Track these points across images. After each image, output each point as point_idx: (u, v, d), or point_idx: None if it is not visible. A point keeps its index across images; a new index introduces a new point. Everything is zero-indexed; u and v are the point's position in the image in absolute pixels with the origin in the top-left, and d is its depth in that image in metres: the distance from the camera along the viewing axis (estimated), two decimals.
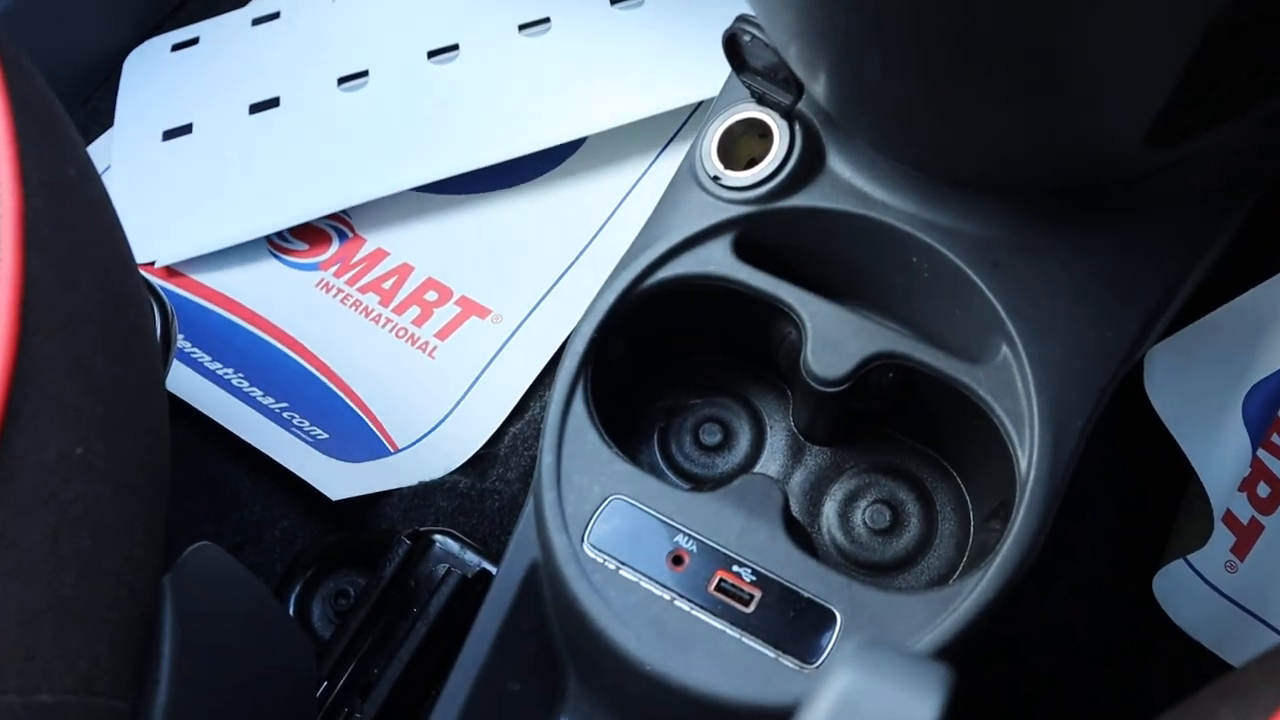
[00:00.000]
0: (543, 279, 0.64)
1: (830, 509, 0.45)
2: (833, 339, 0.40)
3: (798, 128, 0.42)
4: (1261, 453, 0.58)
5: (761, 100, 0.42)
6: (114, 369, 0.30)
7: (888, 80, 0.33)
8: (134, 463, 0.30)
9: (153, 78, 0.78)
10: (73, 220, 0.30)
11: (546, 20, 0.72)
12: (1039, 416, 0.38)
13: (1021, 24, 0.24)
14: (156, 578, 0.33)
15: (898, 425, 0.46)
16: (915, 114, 0.35)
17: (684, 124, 0.68)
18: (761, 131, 0.43)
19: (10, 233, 0.27)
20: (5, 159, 0.28)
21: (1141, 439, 0.57)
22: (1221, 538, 0.58)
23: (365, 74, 0.72)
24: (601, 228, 0.65)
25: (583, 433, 0.40)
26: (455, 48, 0.72)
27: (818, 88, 0.37)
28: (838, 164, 0.42)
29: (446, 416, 0.61)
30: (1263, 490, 0.59)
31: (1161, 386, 0.51)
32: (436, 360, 0.63)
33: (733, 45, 0.41)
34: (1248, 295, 0.50)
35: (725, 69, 0.42)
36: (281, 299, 0.66)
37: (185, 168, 0.71)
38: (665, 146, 0.67)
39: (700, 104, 0.67)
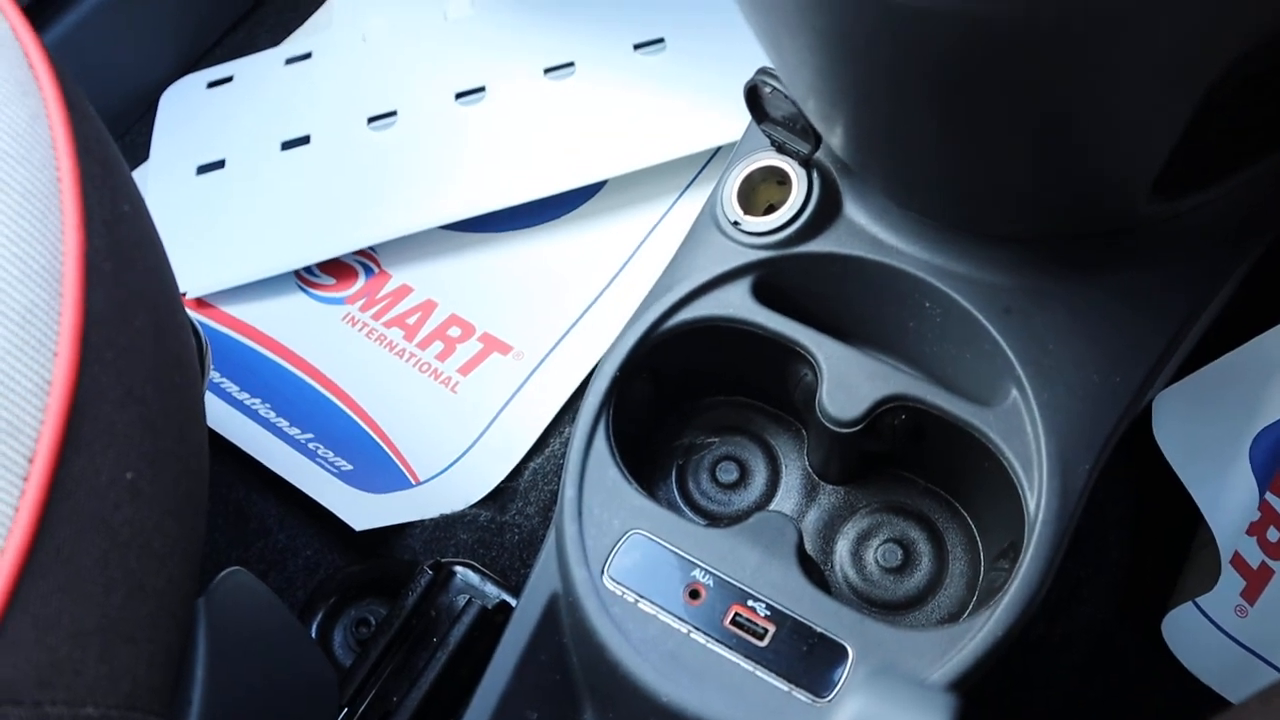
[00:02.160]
0: (564, 317, 0.66)
1: (843, 547, 0.46)
2: (847, 381, 0.41)
3: (815, 175, 0.43)
4: (1271, 497, 0.58)
5: (780, 149, 0.44)
6: (162, 399, 0.31)
7: (902, 138, 0.34)
8: (177, 490, 0.32)
9: (188, 113, 0.80)
10: (128, 256, 0.31)
11: (571, 64, 0.73)
12: (1047, 459, 0.39)
13: (1032, 91, 0.26)
14: (192, 600, 0.34)
15: (910, 465, 0.47)
16: (928, 169, 0.37)
17: (703, 168, 0.70)
18: (780, 179, 0.44)
19: (74, 269, 0.28)
20: (70, 199, 0.29)
21: (1151, 482, 0.57)
22: (1232, 582, 0.58)
23: (394, 114, 0.74)
24: (622, 268, 0.67)
25: (604, 468, 0.41)
26: (482, 89, 0.74)
27: (834, 140, 0.38)
28: (854, 211, 0.43)
29: (467, 450, 0.62)
30: (1273, 535, 0.59)
31: (1169, 431, 0.52)
32: (458, 395, 0.64)
33: (753, 96, 0.42)
34: (1255, 341, 0.51)
35: (744, 115, 0.44)
36: (308, 332, 0.68)
37: (218, 202, 0.73)
38: (685, 189, 0.69)
39: (719, 149, 0.69)
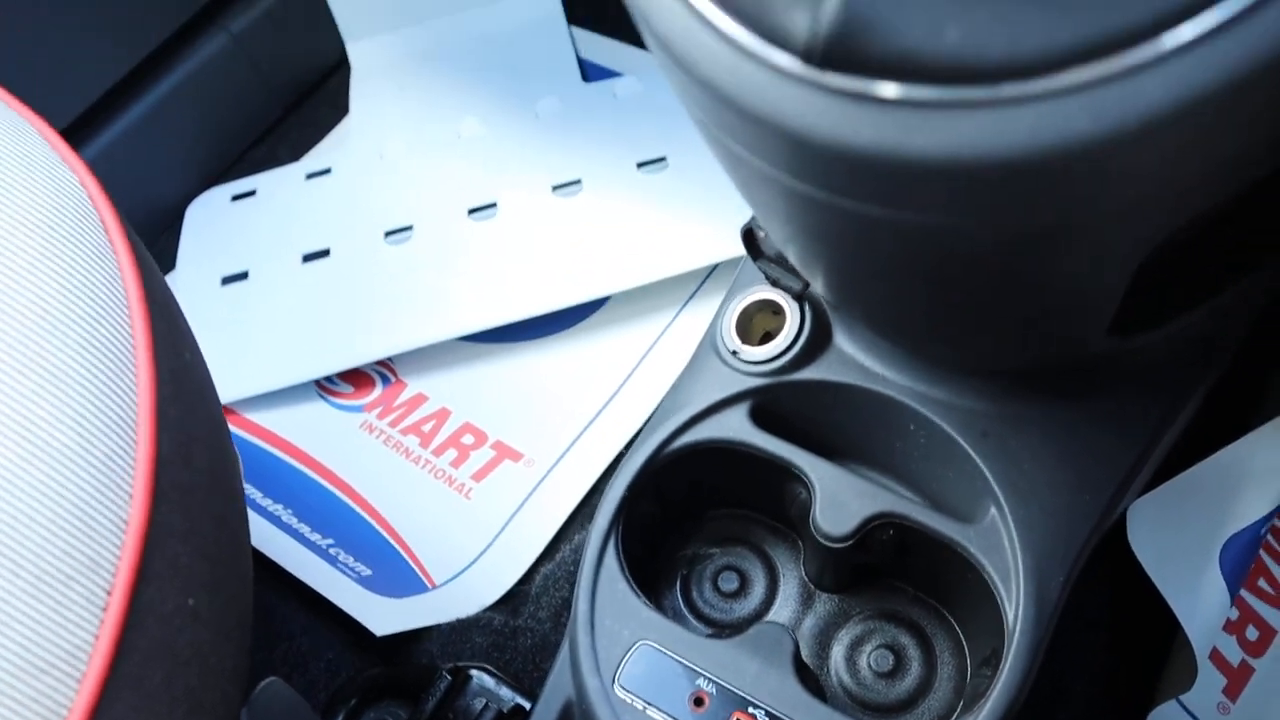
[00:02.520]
0: (572, 426, 0.69)
1: (838, 652, 0.49)
2: (839, 499, 0.45)
3: (807, 308, 0.47)
4: (1249, 596, 0.61)
5: (775, 283, 0.48)
6: (217, 530, 0.35)
7: (870, 297, 0.38)
8: (229, 612, 0.35)
9: (213, 226, 0.84)
10: (189, 401, 0.35)
11: (578, 181, 0.78)
12: (1024, 573, 0.42)
13: (990, 279, 0.30)
14: (237, 710, 0.37)
15: (900, 575, 0.50)
16: (893, 321, 0.41)
17: (703, 283, 0.74)
18: (775, 309, 0.48)
19: (147, 418, 0.32)
20: (143, 353, 0.33)
21: (1129, 586, 0.60)
22: (1213, 679, 0.61)
23: (410, 228, 0.78)
24: (626, 380, 0.70)
25: (614, 583, 0.44)
26: (494, 205, 0.78)
27: (815, 286, 0.42)
28: (843, 341, 0.47)
29: (481, 555, 0.65)
30: (1251, 633, 0.62)
31: (1143, 538, 0.55)
32: (472, 501, 0.67)
33: (749, 237, 0.46)
34: (1221, 453, 0.55)
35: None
36: (328, 439, 0.71)
37: (242, 313, 0.77)
38: (685, 304, 0.73)
39: (717, 266, 0.73)
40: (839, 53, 0.21)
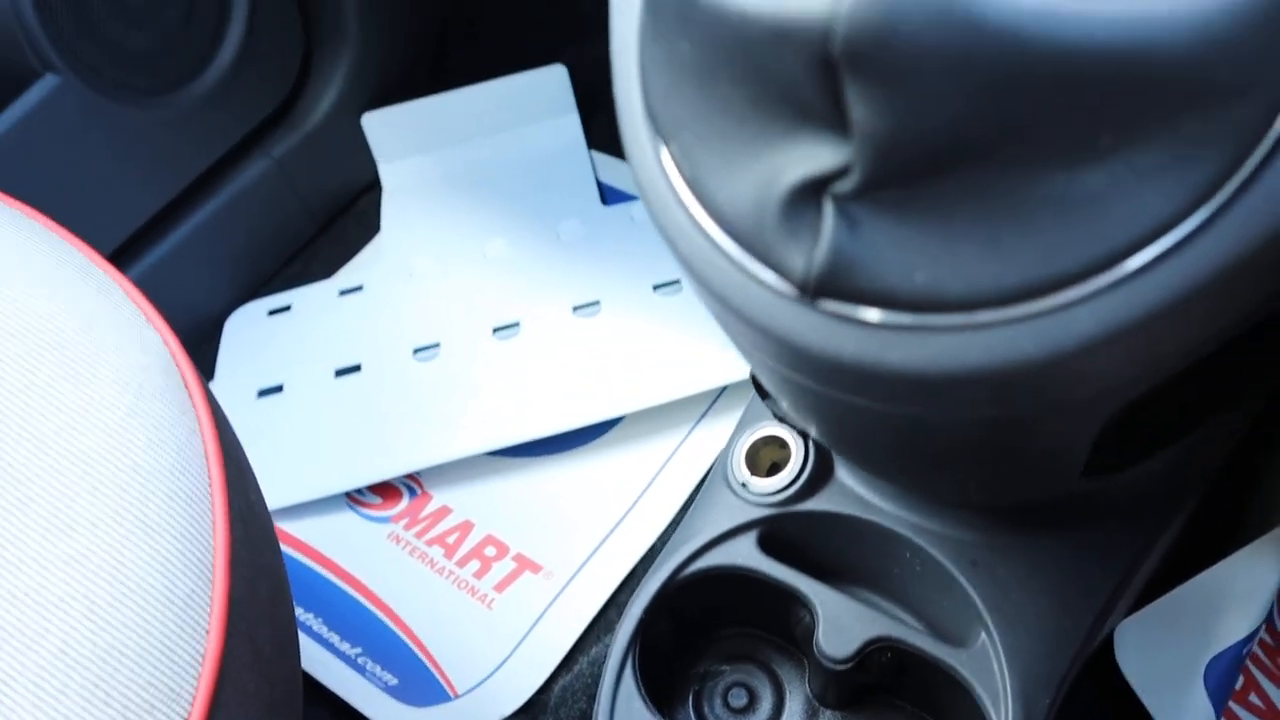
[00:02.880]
0: (589, 540, 0.72)
1: None
2: (840, 623, 0.48)
3: (810, 443, 0.51)
4: (1240, 710, 0.64)
5: (781, 419, 0.52)
6: (277, 654, 0.38)
7: (854, 450, 0.43)
8: None
9: (249, 339, 0.88)
10: (255, 541, 0.39)
11: (597, 302, 0.82)
12: (1012, 696, 0.46)
13: (957, 446, 0.34)
14: None
15: (899, 694, 0.53)
16: (881, 468, 0.45)
17: (714, 402, 0.78)
18: (781, 443, 0.53)
19: (222, 560, 0.36)
20: (219, 501, 0.37)
21: (1122, 706, 0.63)
22: None
23: (437, 345, 0.83)
24: (641, 495, 0.74)
25: (631, 701, 0.47)
26: (517, 325, 0.82)
27: (810, 431, 0.47)
28: (844, 475, 0.51)
29: (502, 664, 0.68)
30: None
31: (1130, 657, 0.58)
32: (494, 611, 0.70)
33: (758, 379, 0.51)
34: (1203, 576, 0.58)
35: None
36: (357, 549, 0.75)
37: (276, 425, 0.81)
38: (697, 422, 0.77)
39: (726, 387, 0.77)
40: (829, 285, 0.26)
